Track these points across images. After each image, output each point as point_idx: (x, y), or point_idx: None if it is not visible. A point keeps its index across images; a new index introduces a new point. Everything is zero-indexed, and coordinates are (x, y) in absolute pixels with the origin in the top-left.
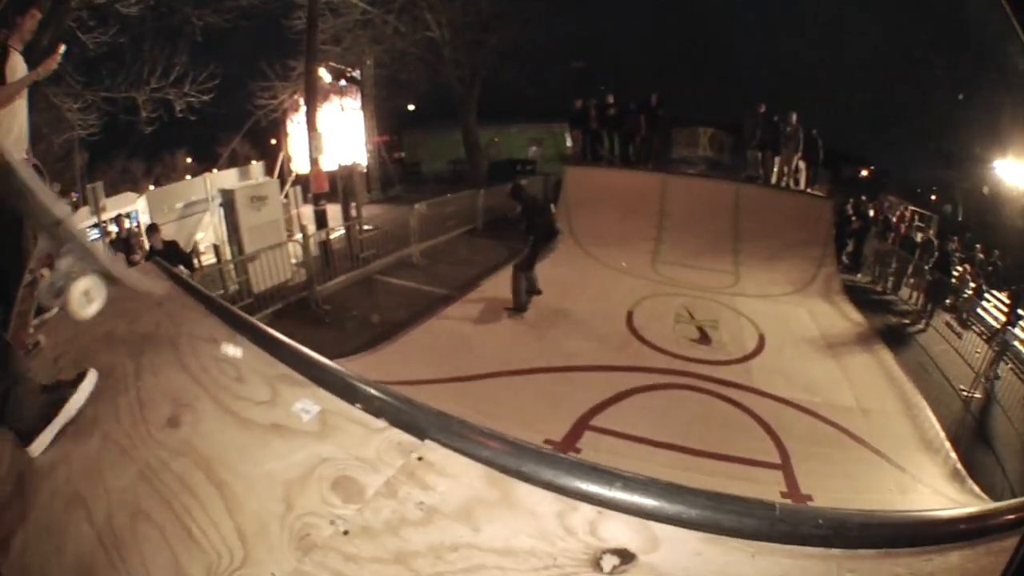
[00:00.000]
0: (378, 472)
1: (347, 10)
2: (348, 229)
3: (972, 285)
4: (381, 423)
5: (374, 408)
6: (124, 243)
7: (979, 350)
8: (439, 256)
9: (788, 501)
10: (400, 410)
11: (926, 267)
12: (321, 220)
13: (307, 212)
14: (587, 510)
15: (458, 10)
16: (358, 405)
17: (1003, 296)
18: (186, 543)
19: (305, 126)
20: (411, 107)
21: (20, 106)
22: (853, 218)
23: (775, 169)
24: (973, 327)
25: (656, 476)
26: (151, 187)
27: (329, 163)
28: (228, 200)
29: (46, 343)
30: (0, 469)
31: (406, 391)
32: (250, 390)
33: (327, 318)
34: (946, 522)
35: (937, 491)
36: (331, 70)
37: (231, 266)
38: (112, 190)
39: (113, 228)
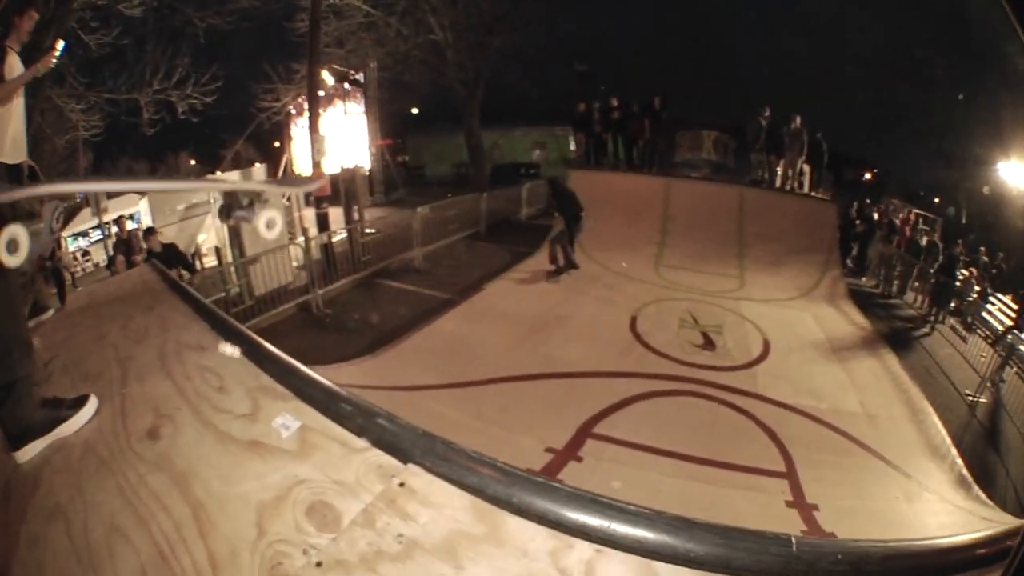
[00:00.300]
0: (356, 498)
1: (350, 13)
2: (350, 232)
3: (977, 288)
4: (363, 443)
5: (356, 426)
6: (125, 244)
7: (984, 354)
8: (441, 260)
9: (804, 535)
10: (384, 429)
11: (931, 271)
12: (323, 223)
13: (309, 215)
14: (584, 548)
15: (460, 13)
16: (340, 422)
17: (1008, 299)
18: (158, 566)
19: (307, 129)
20: (415, 110)
21: (17, 108)
22: (857, 222)
23: (779, 172)
24: (978, 331)
25: (661, 486)
26: None
27: (331, 166)
28: (229, 203)
29: (40, 345)
30: None
31: (407, 397)
32: (231, 402)
33: (328, 321)
34: (966, 547)
35: (944, 498)
36: (334, 73)
37: (232, 268)
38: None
39: (114, 229)
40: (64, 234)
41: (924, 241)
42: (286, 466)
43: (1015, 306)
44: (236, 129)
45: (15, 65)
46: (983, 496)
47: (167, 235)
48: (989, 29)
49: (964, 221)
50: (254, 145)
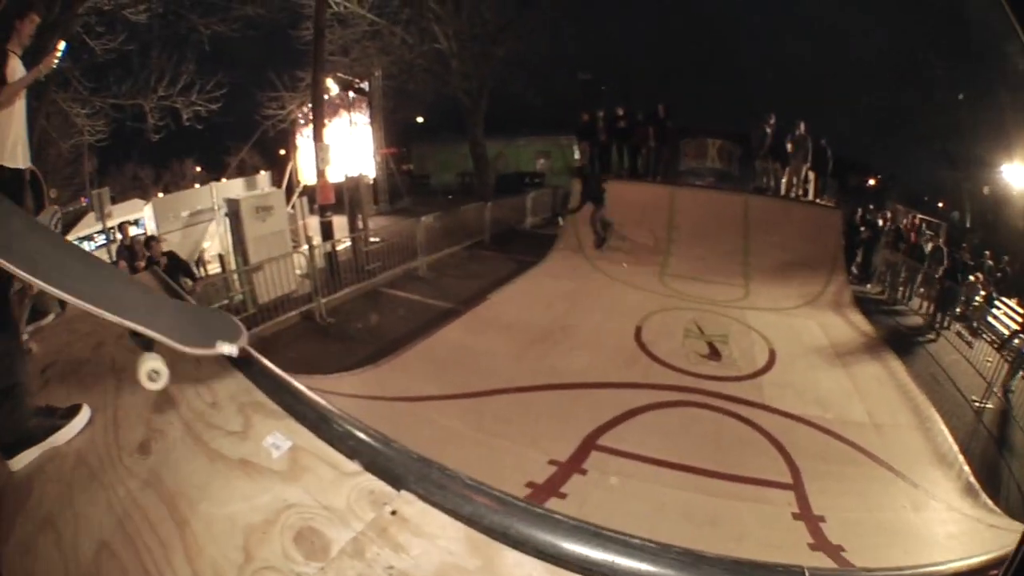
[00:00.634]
0: (347, 525)
1: (355, 21)
2: (354, 241)
3: (982, 293)
4: (355, 466)
5: (348, 448)
6: (128, 251)
7: (990, 359)
8: (446, 269)
9: (816, 569)
10: (377, 452)
11: (936, 276)
12: (327, 231)
13: (313, 223)
14: None
15: (465, 22)
16: (333, 443)
17: (1013, 303)
18: None
19: (312, 137)
20: (419, 119)
21: (19, 111)
22: (862, 228)
23: (784, 180)
24: (984, 336)
25: (666, 498)
26: (160, 194)
27: (336, 175)
28: (233, 210)
29: (38, 351)
30: None
31: (410, 407)
32: (223, 418)
33: (331, 330)
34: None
35: (951, 507)
36: (339, 81)
37: (235, 276)
38: (121, 196)
39: (119, 235)
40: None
41: (929, 246)
42: (275, 488)
43: (1021, 310)
44: (241, 136)
45: (16, 68)
46: (990, 503)
47: (171, 241)
48: (990, 30)
49: (968, 224)
50: (259, 152)
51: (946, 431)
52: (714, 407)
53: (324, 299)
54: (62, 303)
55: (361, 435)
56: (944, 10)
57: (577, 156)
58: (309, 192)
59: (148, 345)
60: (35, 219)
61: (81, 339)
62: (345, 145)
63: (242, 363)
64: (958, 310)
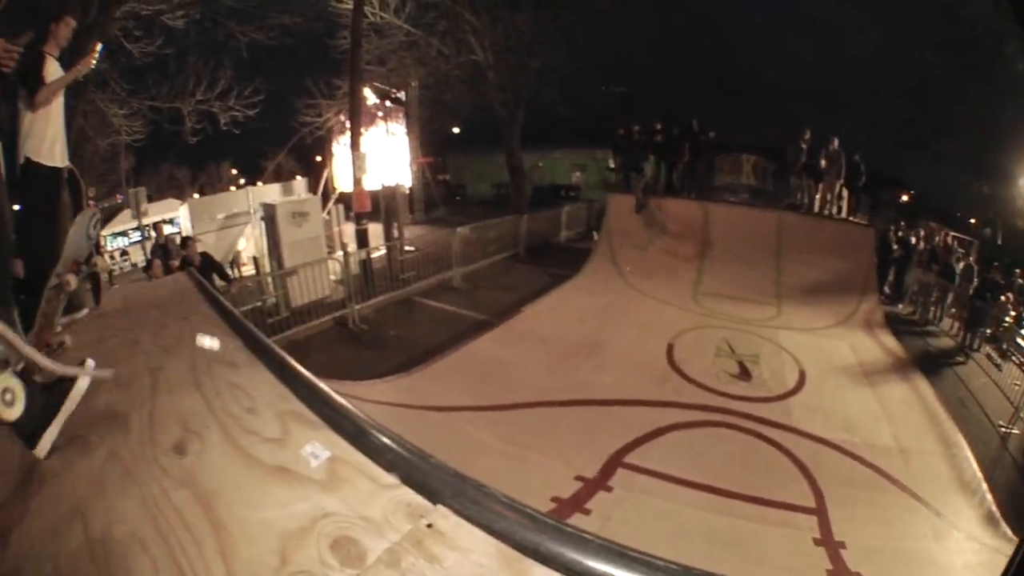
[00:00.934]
0: (383, 536)
1: (391, 31)
2: (389, 249)
3: (1012, 313)
4: (392, 479)
5: (387, 462)
6: (163, 249)
7: (1018, 382)
8: (480, 280)
9: None
10: (415, 467)
11: (969, 295)
12: (362, 239)
13: (349, 230)
14: None
15: (500, 34)
16: (371, 456)
17: None
18: None
19: (349, 145)
20: (455, 129)
21: (57, 111)
22: (895, 246)
23: (818, 196)
24: (1013, 358)
25: (690, 519)
26: (195, 195)
27: (372, 183)
28: (270, 214)
29: (71, 344)
30: (8, 465)
31: (439, 417)
32: (261, 424)
33: (364, 337)
34: None
35: (971, 536)
36: (376, 91)
37: (269, 279)
38: (158, 195)
39: (153, 234)
40: (104, 233)
41: (960, 265)
42: (313, 496)
43: None
44: (277, 142)
45: (54, 69)
46: (1010, 533)
47: (206, 243)
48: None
49: (1000, 242)
50: (295, 158)
51: (971, 457)
52: (742, 428)
53: (358, 306)
54: (97, 298)
55: (399, 449)
56: (979, 25)
57: (612, 166)
58: (344, 199)
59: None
60: None
61: (116, 335)
62: (382, 154)
63: (281, 371)
64: (988, 331)
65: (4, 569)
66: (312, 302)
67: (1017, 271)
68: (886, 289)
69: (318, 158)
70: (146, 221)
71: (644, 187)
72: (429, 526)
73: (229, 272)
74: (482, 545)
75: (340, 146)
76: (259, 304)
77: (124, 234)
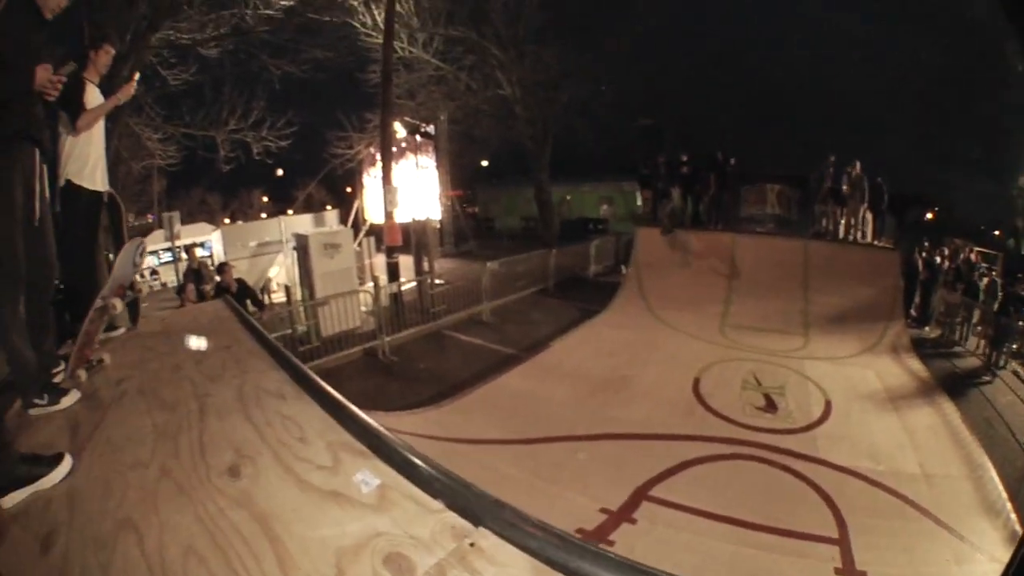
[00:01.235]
0: (431, 552)
1: (420, 66)
2: (419, 283)
3: None
4: (438, 504)
5: (433, 489)
6: (196, 274)
7: None
8: (509, 315)
9: None
10: (458, 493)
11: (993, 311)
12: (393, 272)
13: (379, 262)
14: None
15: (528, 68)
16: (419, 484)
17: None
18: None
19: (380, 178)
20: (484, 163)
21: (97, 136)
22: (921, 268)
23: (843, 222)
24: None
25: (712, 550)
26: (226, 220)
27: (403, 216)
28: (302, 245)
29: (111, 362)
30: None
31: (467, 449)
32: (312, 453)
33: (394, 368)
34: None
35: (993, 558)
36: (406, 124)
37: (301, 308)
38: (189, 219)
39: (184, 256)
40: None
41: (984, 282)
42: (365, 517)
43: None
44: (308, 172)
45: (94, 96)
46: None
47: (239, 269)
48: None
49: None
50: (325, 188)
51: (996, 478)
52: (766, 460)
53: (388, 337)
54: (134, 319)
55: (444, 478)
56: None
57: (640, 203)
58: (375, 231)
59: None
60: None
61: (158, 358)
62: (411, 187)
63: (328, 404)
64: (1014, 346)
65: (48, 569)
66: (342, 332)
67: None
68: (912, 312)
69: (348, 189)
70: (178, 243)
71: (671, 212)
72: (472, 545)
73: (261, 299)
74: (518, 561)
75: (370, 178)
76: (290, 332)
77: (155, 253)
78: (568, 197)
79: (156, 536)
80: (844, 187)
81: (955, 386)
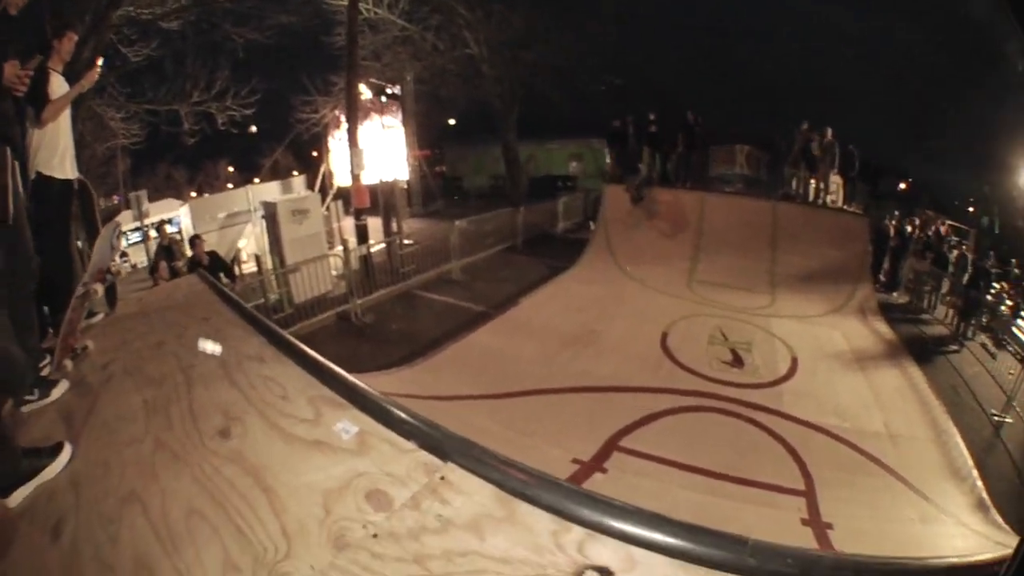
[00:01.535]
0: (406, 487)
1: (386, 27)
2: (389, 244)
3: (1008, 303)
4: (411, 445)
5: (405, 431)
6: (166, 250)
7: (1012, 371)
8: (478, 272)
9: (760, 538)
10: (428, 434)
11: (963, 284)
12: (362, 235)
13: (348, 225)
14: (578, 531)
15: (494, 27)
16: (393, 427)
17: None
18: (236, 538)
19: (346, 141)
20: (452, 122)
21: (65, 124)
22: (891, 235)
23: (812, 186)
24: (1008, 347)
25: (679, 498)
26: (193, 194)
27: (370, 178)
28: (270, 213)
29: (94, 348)
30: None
31: (442, 406)
32: (295, 408)
33: (367, 331)
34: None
35: (960, 521)
36: (372, 86)
37: (272, 277)
38: (156, 195)
39: (154, 233)
40: None
41: (954, 254)
42: (347, 461)
43: None
44: (275, 139)
45: (59, 85)
46: (1000, 520)
47: (208, 242)
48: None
49: (997, 231)
50: (292, 155)
51: (962, 444)
52: (733, 413)
53: (359, 300)
54: (111, 303)
55: (415, 421)
56: (984, 18)
57: (608, 160)
58: (343, 194)
59: None
60: None
61: (139, 338)
62: (378, 148)
63: (306, 362)
64: (984, 320)
65: (60, 555)
66: (314, 298)
67: (1014, 260)
68: (881, 277)
69: (315, 154)
70: (146, 222)
71: (639, 184)
72: (442, 478)
73: (234, 271)
74: (483, 490)
75: (337, 141)
76: (262, 301)
77: (123, 235)
78: (536, 154)
79: (159, 503)
80: (815, 151)
81: (922, 352)
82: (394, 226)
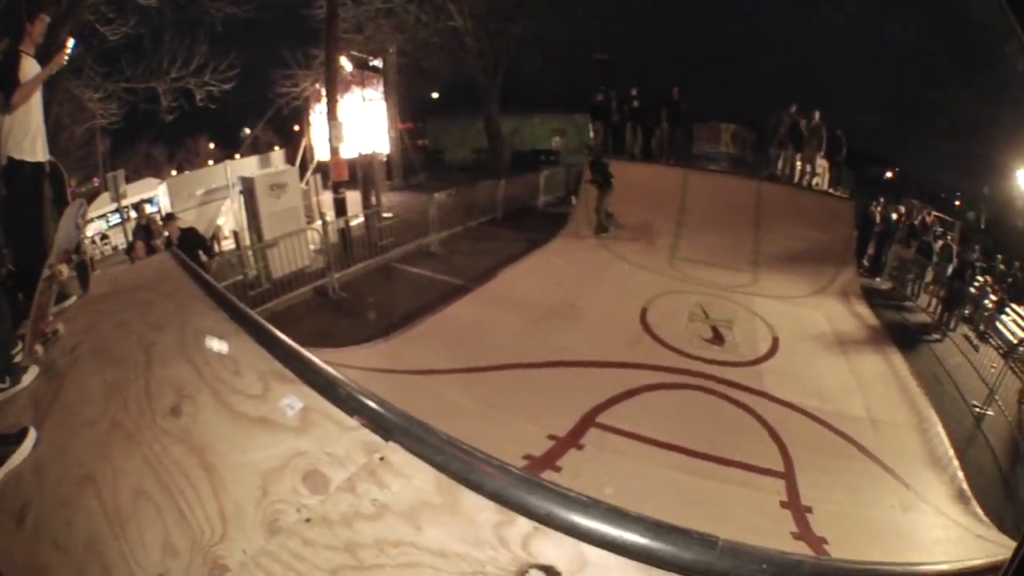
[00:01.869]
0: (344, 468)
1: None
2: (367, 217)
3: (992, 297)
4: (354, 422)
5: (349, 407)
6: (145, 230)
7: (995, 365)
8: (458, 245)
9: (729, 541)
10: (372, 411)
11: (947, 275)
12: (341, 208)
13: (328, 199)
14: (524, 524)
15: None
16: (337, 404)
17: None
18: (177, 520)
19: (326, 116)
20: (434, 95)
21: (35, 107)
22: (877, 221)
23: (798, 167)
24: (991, 340)
25: (657, 477)
26: (173, 173)
27: (349, 151)
28: (248, 187)
29: (65, 331)
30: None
31: (417, 380)
32: (245, 384)
33: (344, 305)
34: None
35: (940, 511)
36: (353, 59)
37: (250, 252)
38: (135, 175)
39: (133, 214)
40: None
41: (939, 244)
42: (288, 440)
43: None
44: (256, 114)
45: (31, 68)
46: (980, 513)
47: (186, 219)
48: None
49: (983, 226)
50: (273, 129)
51: (943, 434)
52: (713, 391)
53: (337, 274)
54: (84, 285)
55: (360, 397)
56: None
57: (592, 135)
58: (323, 168)
59: None
60: None
61: (107, 318)
62: (358, 121)
63: (261, 336)
64: (967, 312)
65: (24, 541)
66: (292, 273)
67: (999, 256)
68: (865, 262)
69: (296, 128)
70: (125, 203)
71: (606, 211)
72: (381, 459)
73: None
74: (424, 474)
75: (318, 115)
76: (241, 278)
77: (103, 217)
78: (519, 128)
79: (111, 484)
80: (803, 132)
81: (904, 339)
82: (373, 199)
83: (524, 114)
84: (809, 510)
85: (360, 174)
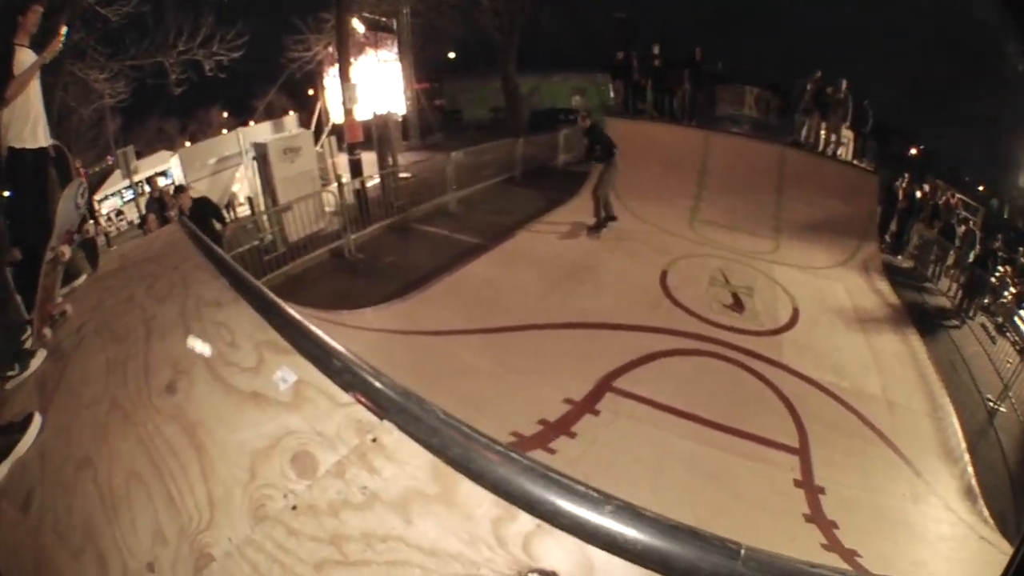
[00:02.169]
0: (334, 450)
1: None
2: (383, 177)
3: (1012, 290)
4: (348, 398)
5: (344, 381)
6: (158, 202)
7: (1010, 360)
8: (475, 205)
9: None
10: (368, 385)
11: (969, 260)
12: (356, 169)
13: (343, 161)
14: (526, 521)
15: None
16: (331, 376)
17: None
18: (167, 505)
19: (339, 78)
20: (451, 55)
21: (34, 95)
22: (901, 198)
23: (823, 136)
24: (1008, 335)
25: (672, 446)
26: (187, 143)
27: (364, 112)
28: (261, 153)
29: (73, 311)
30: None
31: (433, 341)
32: (240, 355)
33: (360, 266)
34: None
35: (948, 506)
36: (364, 20)
37: (265, 217)
38: (148, 149)
39: (146, 188)
40: (97, 197)
41: (962, 228)
42: (279, 417)
43: None
44: (267, 80)
45: (25, 60)
46: (986, 513)
47: (199, 189)
48: None
49: (1007, 216)
50: (287, 94)
51: (957, 425)
52: (731, 359)
53: (353, 235)
54: (93, 263)
55: (356, 369)
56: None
57: (612, 95)
58: (339, 131)
59: None
60: None
61: (114, 294)
62: (374, 83)
63: (259, 303)
64: (986, 301)
65: (30, 528)
66: (308, 235)
67: (1021, 248)
68: (887, 239)
69: (310, 92)
70: (137, 178)
71: (605, 200)
72: (374, 440)
73: (226, 215)
74: (418, 459)
75: (331, 78)
76: (257, 243)
77: (117, 194)
78: (539, 87)
79: (106, 467)
80: (828, 101)
81: (923, 321)
82: (389, 159)
83: (543, 73)
84: (822, 491)
85: (375, 135)
